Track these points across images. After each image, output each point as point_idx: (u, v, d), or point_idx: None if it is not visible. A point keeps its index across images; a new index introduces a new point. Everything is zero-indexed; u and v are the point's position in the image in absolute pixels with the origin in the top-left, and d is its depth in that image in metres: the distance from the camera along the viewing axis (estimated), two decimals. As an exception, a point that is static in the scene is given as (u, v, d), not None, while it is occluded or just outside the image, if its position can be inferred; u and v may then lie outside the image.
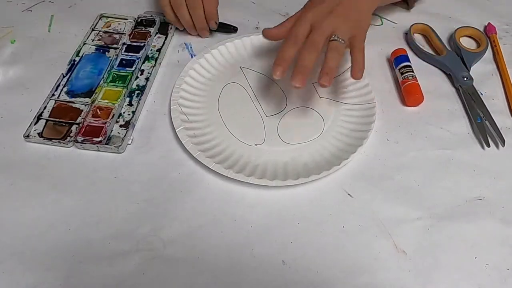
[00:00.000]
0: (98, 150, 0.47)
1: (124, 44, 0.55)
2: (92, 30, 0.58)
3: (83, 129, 0.47)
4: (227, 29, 0.58)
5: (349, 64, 0.54)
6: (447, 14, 0.63)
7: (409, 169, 0.46)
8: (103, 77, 0.52)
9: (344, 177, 0.45)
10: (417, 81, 0.52)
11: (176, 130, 0.47)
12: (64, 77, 0.52)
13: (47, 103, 0.49)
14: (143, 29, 0.58)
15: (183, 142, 0.46)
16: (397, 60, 0.55)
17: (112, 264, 0.39)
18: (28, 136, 0.47)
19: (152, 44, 0.57)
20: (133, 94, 0.51)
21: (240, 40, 0.56)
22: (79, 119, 0.48)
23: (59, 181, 0.44)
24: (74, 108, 0.49)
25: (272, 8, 0.63)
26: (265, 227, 0.42)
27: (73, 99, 0.50)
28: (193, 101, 0.51)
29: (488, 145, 0.48)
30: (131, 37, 0.56)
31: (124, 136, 0.47)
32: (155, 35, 0.58)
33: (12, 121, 0.49)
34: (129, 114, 0.49)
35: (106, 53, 0.55)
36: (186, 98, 0.51)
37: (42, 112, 0.49)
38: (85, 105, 0.49)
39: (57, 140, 0.46)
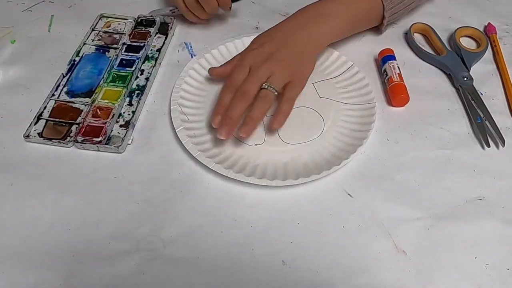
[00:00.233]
0: (98, 150, 0.47)
1: (124, 44, 0.55)
2: (92, 30, 0.58)
3: (83, 129, 0.47)
4: None
5: (348, 65, 0.54)
6: (447, 14, 0.63)
7: (409, 169, 0.46)
8: (103, 77, 0.52)
9: (344, 177, 0.45)
10: (403, 81, 0.52)
11: (176, 130, 0.47)
12: (64, 77, 0.52)
13: (47, 103, 0.49)
14: (143, 29, 0.58)
15: (183, 142, 0.46)
16: (383, 61, 0.54)
17: (112, 264, 0.39)
18: (28, 136, 0.47)
19: (152, 44, 0.57)
20: (133, 94, 0.51)
21: (240, 40, 0.56)
22: (79, 119, 0.48)
23: (59, 181, 0.44)
24: (74, 108, 0.49)
25: (272, 8, 0.63)
26: (265, 227, 0.42)
27: (73, 99, 0.50)
28: (193, 101, 0.51)
29: (488, 145, 0.48)
30: (131, 37, 0.56)
31: (124, 136, 0.47)
32: (155, 35, 0.58)
33: (12, 121, 0.49)
34: (129, 114, 0.49)
35: (106, 53, 0.55)
36: (186, 98, 0.51)
37: (42, 112, 0.49)
38: (85, 105, 0.49)
39: (57, 140, 0.46)
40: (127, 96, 0.51)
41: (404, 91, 0.51)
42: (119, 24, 0.59)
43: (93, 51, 0.55)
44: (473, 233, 0.42)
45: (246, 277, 0.39)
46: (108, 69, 0.53)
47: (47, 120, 0.48)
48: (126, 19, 0.59)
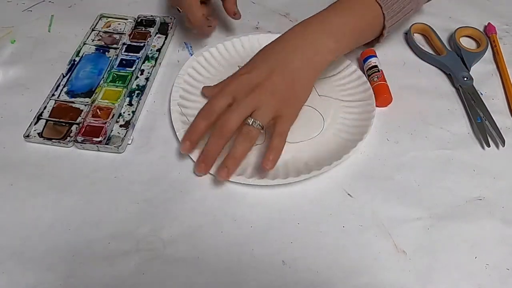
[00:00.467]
0: (98, 150, 0.47)
1: (124, 44, 0.55)
2: (92, 30, 0.58)
3: (83, 129, 0.47)
4: None
5: (347, 63, 0.54)
6: (447, 14, 0.63)
7: (409, 169, 0.46)
8: (103, 77, 0.52)
9: (344, 177, 0.45)
10: (385, 81, 0.52)
11: (176, 130, 0.47)
12: (64, 77, 0.52)
13: (47, 103, 0.49)
14: (143, 29, 0.58)
15: (183, 142, 0.46)
16: (365, 62, 0.54)
17: (112, 264, 0.39)
18: (28, 136, 0.47)
19: (152, 44, 0.57)
20: (133, 94, 0.51)
21: (238, 39, 0.56)
22: (79, 119, 0.48)
23: (59, 181, 0.44)
24: (74, 108, 0.49)
25: (272, 8, 0.63)
26: (265, 227, 0.42)
27: (73, 99, 0.50)
28: (193, 101, 0.51)
29: (488, 145, 0.48)
30: (131, 37, 0.56)
31: (124, 136, 0.47)
32: (155, 35, 0.58)
33: (12, 121, 0.49)
34: (129, 114, 0.49)
35: (106, 53, 0.55)
36: (186, 98, 0.51)
37: (42, 112, 0.49)
38: (85, 105, 0.49)
39: (57, 140, 0.46)
40: (127, 96, 0.51)
41: (387, 91, 0.51)
42: (119, 24, 0.59)
43: (93, 51, 0.55)
44: (473, 233, 0.42)
45: (246, 277, 0.39)
46: (108, 69, 0.53)
47: (47, 120, 0.48)
48: (126, 19, 0.59)
